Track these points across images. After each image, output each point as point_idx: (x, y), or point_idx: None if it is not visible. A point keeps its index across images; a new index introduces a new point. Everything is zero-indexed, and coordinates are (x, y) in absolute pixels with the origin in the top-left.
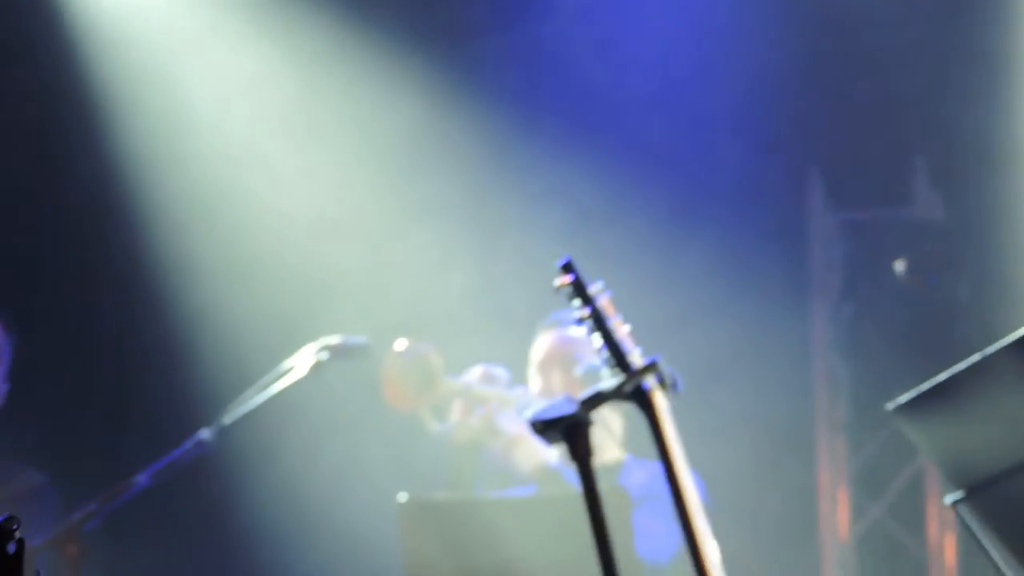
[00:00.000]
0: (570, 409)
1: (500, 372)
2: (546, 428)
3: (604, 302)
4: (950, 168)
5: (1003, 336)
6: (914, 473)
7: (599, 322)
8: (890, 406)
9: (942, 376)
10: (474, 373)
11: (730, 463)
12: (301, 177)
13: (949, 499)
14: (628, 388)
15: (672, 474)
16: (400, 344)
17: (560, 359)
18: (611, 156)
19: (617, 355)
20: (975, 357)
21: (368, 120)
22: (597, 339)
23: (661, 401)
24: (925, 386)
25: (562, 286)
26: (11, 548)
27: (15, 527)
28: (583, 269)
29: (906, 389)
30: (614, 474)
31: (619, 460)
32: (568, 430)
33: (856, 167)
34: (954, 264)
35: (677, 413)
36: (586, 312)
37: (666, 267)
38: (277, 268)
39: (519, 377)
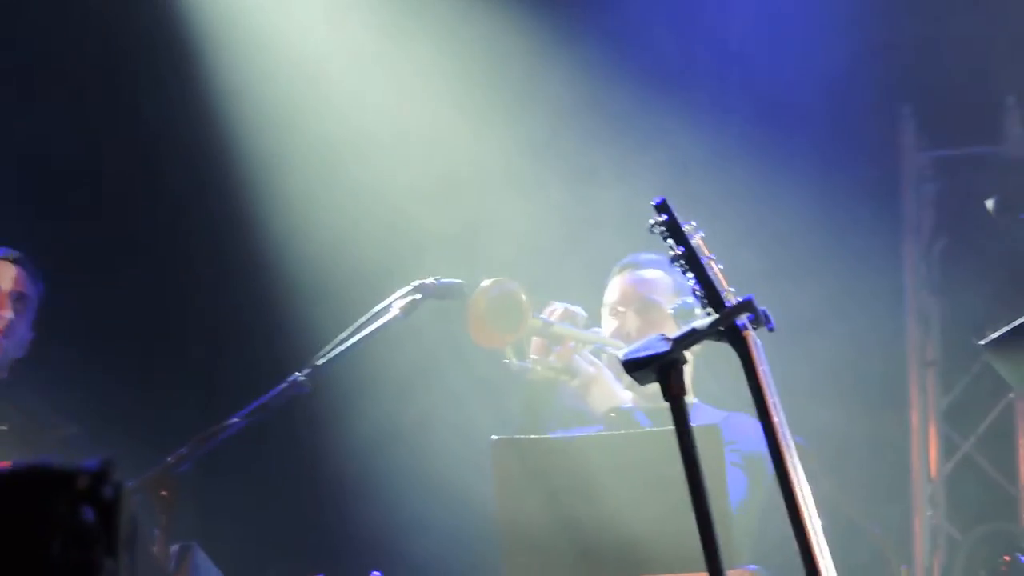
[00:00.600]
0: (663, 348)
1: (579, 311)
2: (639, 367)
3: (698, 240)
4: None
5: None
6: (1004, 409)
7: (693, 261)
8: (981, 342)
9: None
10: (554, 311)
11: (824, 404)
12: (400, 134)
13: None
14: (723, 326)
15: (766, 413)
16: (487, 281)
17: (635, 300)
18: (706, 104)
19: (711, 294)
20: None
21: (465, 68)
22: (691, 278)
23: (753, 339)
24: (1016, 322)
25: (656, 225)
26: (108, 492)
27: (111, 470)
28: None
29: (997, 326)
30: None
31: (689, 403)
32: (662, 369)
33: (948, 106)
34: None
35: (772, 361)
36: (680, 251)
37: (759, 216)
38: (373, 220)
39: (596, 317)
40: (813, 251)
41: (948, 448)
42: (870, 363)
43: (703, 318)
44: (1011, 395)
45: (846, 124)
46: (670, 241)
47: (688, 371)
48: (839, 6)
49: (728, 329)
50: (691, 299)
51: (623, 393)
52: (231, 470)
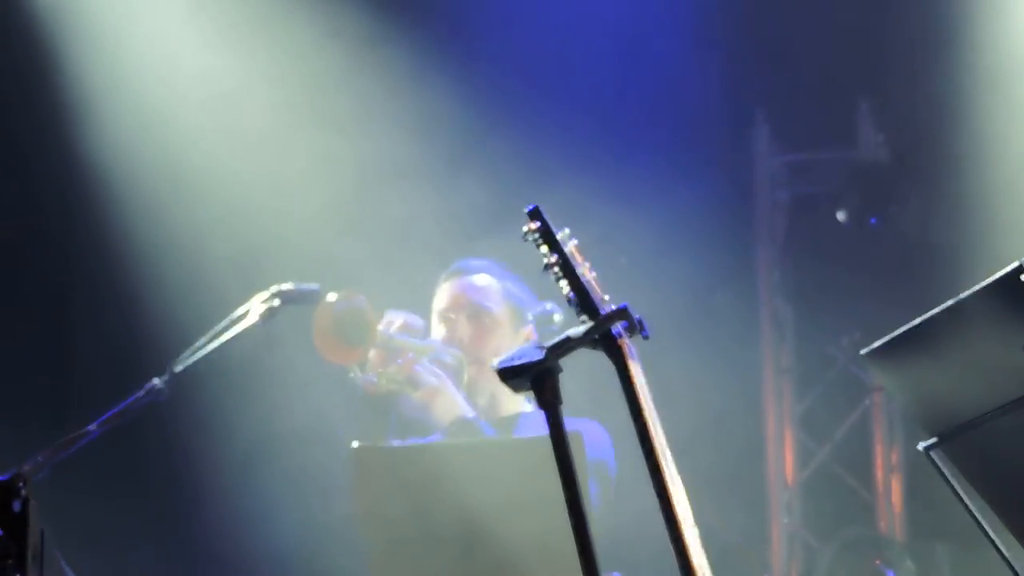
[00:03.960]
0: (538, 356)
1: (417, 320)
2: (513, 375)
3: (571, 248)
4: (894, 110)
5: (947, 276)
6: (860, 416)
7: (567, 268)
8: (863, 351)
9: (916, 321)
10: (392, 323)
11: (680, 410)
12: (259, 129)
13: (922, 445)
14: (597, 334)
15: (642, 421)
16: (332, 296)
17: (466, 306)
18: (552, 113)
19: (585, 301)
20: (949, 301)
21: (329, 75)
22: (565, 286)
23: (629, 347)
24: (899, 331)
25: (529, 232)
26: (16, 506)
27: (21, 485)
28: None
29: (852, 334)
30: (510, 427)
31: (517, 413)
32: (536, 377)
33: (802, 110)
34: (898, 205)
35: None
36: (554, 259)
37: (610, 223)
38: (231, 219)
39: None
40: (666, 259)
41: (804, 455)
42: (725, 370)
43: (562, 325)
44: (867, 402)
45: (697, 130)
46: (543, 249)
47: None
48: (693, 8)
49: (603, 337)
50: (550, 305)
51: (465, 404)
52: (89, 477)
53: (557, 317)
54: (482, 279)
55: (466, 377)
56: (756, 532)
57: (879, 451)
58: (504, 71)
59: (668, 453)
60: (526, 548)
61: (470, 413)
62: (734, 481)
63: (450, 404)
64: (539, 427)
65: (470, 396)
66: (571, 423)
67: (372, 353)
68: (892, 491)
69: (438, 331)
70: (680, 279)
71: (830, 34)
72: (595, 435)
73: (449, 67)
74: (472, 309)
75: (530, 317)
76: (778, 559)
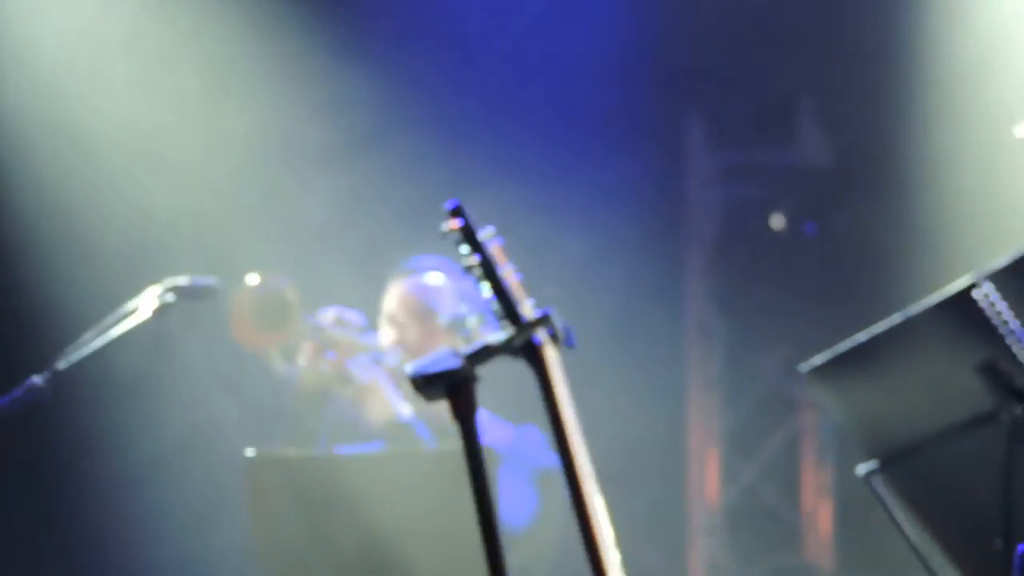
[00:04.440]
0: (454, 364)
1: (355, 316)
2: (427, 383)
3: (495, 249)
4: (837, 110)
5: (887, 288)
6: (789, 435)
7: (489, 271)
8: (802, 367)
9: (860, 337)
10: (327, 315)
11: (598, 423)
12: (150, 113)
13: (862, 469)
14: (518, 342)
15: (562, 433)
16: (253, 278)
17: (416, 309)
18: (479, 110)
19: (507, 306)
20: (896, 318)
21: (224, 54)
22: (486, 288)
23: (552, 356)
24: (841, 347)
25: (451, 231)
26: None
27: None
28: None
29: (783, 346)
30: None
31: None
32: (451, 386)
33: (737, 107)
34: (839, 212)
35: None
36: (475, 260)
37: (537, 219)
38: (123, 206)
39: (375, 324)
40: (587, 264)
41: (729, 474)
42: (648, 382)
43: (480, 328)
44: (797, 419)
45: (626, 127)
46: (463, 248)
47: None
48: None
49: (524, 345)
50: (465, 307)
51: (401, 404)
52: None
53: (471, 321)
54: (434, 279)
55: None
56: (675, 556)
57: (809, 472)
58: (423, 65)
59: (591, 470)
60: (432, 569)
61: (405, 415)
62: (654, 501)
63: (383, 404)
64: (503, 432)
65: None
66: (523, 429)
67: (304, 345)
68: (820, 516)
69: (387, 334)
70: (603, 285)
71: (772, 26)
72: (539, 442)
73: (365, 53)
74: (422, 311)
75: (443, 321)
76: None
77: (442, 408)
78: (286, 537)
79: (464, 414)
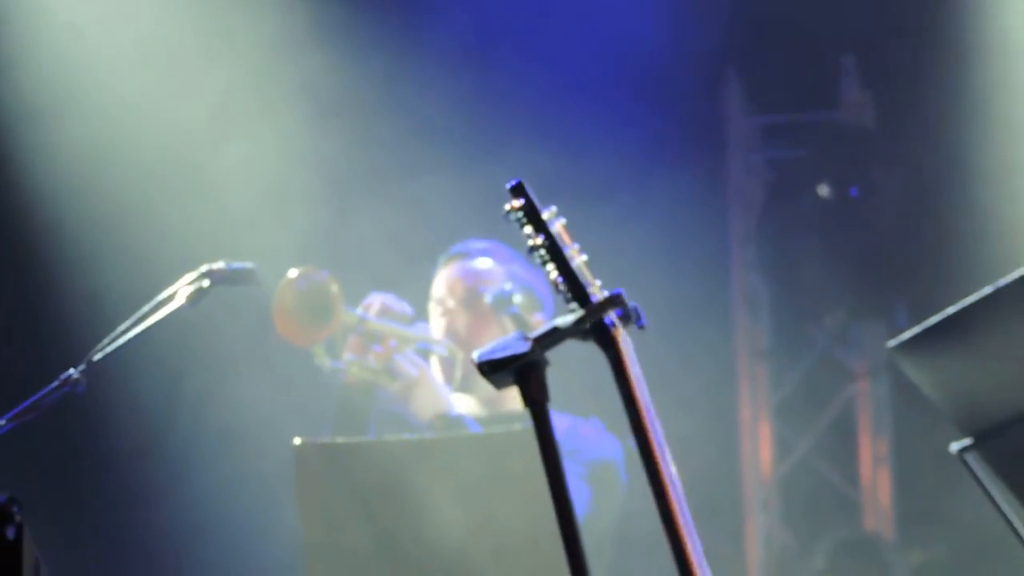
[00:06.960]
0: (522, 348)
1: (402, 305)
2: (495, 369)
3: (559, 228)
4: (881, 67)
5: (939, 252)
6: (844, 405)
7: (554, 251)
8: (891, 343)
9: (950, 310)
10: (373, 305)
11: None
12: (191, 113)
13: (955, 447)
14: (587, 324)
15: (638, 416)
16: (294, 272)
17: (464, 294)
18: (516, 75)
19: (575, 287)
20: (987, 289)
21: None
22: (551, 270)
23: (624, 338)
24: (930, 321)
25: (512, 210)
26: (11, 533)
27: (16, 510)
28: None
29: (833, 313)
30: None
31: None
32: (520, 371)
33: (777, 67)
34: (884, 172)
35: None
36: (539, 240)
37: (576, 191)
38: (159, 197)
39: (423, 314)
40: (627, 233)
41: (782, 448)
42: (695, 354)
43: (527, 306)
44: (851, 390)
45: (666, 89)
46: (527, 229)
47: None
48: None
49: (594, 327)
50: (509, 285)
51: (450, 399)
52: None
53: (517, 298)
54: (484, 263)
55: (460, 373)
56: (731, 533)
57: (865, 442)
58: (459, 43)
59: (667, 452)
60: (483, 557)
61: (455, 409)
62: (707, 477)
63: (431, 398)
64: (555, 425)
65: (467, 392)
66: (577, 423)
67: (350, 339)
68: (879, 488)
69: (436, 321)
70: (644, 255)
71: None
72: (598, 435)
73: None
74: (471, 297)
75: (488, 300)
76: (753, 562)
77: (501, 400)
78: (336, 525)
79: (535, 399)
